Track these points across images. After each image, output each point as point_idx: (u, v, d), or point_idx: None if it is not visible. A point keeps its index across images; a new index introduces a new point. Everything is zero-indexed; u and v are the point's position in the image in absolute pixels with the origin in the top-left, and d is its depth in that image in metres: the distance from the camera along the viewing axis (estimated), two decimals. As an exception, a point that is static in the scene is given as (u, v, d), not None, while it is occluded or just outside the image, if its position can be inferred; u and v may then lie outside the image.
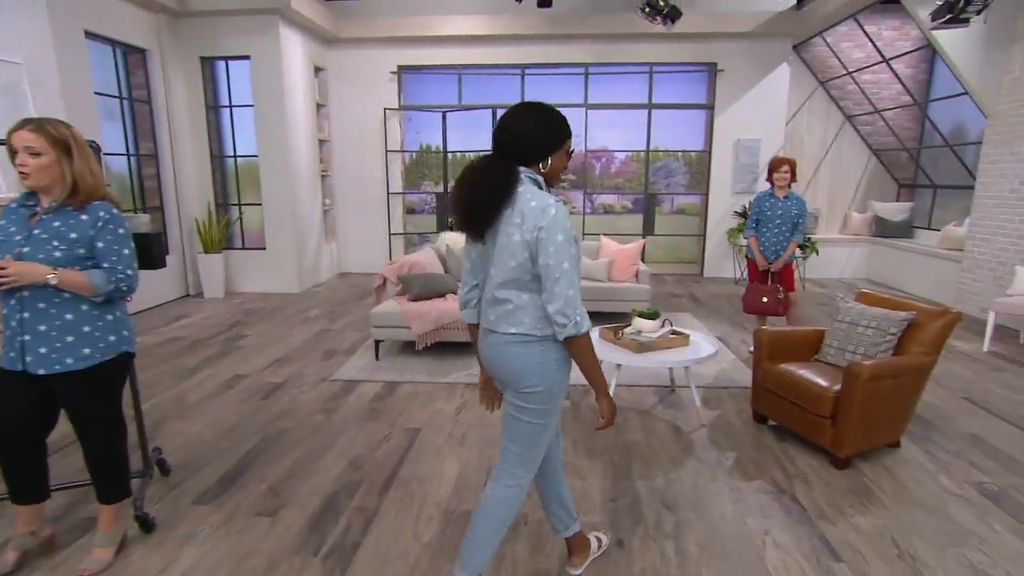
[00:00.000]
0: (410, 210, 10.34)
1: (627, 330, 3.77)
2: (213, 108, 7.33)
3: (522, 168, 1.77)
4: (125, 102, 6.49)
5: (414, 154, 9.72)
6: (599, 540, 2.39)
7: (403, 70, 8.46)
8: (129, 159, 6.51)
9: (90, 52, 5.73)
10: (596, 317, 5.94)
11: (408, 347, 5.06)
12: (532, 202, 1.69)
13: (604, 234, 8.46)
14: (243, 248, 7.67)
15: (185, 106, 7.15)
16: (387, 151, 8.53)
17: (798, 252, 5.19)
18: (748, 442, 3.35)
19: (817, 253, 7.62)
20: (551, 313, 1.70)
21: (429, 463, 3.13)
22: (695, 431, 3.51)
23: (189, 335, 5.58)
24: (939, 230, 7.61)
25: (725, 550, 2.40)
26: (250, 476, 3.00)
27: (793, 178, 4.74)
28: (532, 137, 1.76)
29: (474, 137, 8.85)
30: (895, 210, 8.50)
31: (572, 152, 1.86)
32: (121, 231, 2.11)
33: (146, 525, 2.48)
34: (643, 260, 8.98)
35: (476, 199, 1.74)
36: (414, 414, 3.77)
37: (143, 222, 2.60)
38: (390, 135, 8.57)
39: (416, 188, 10.44)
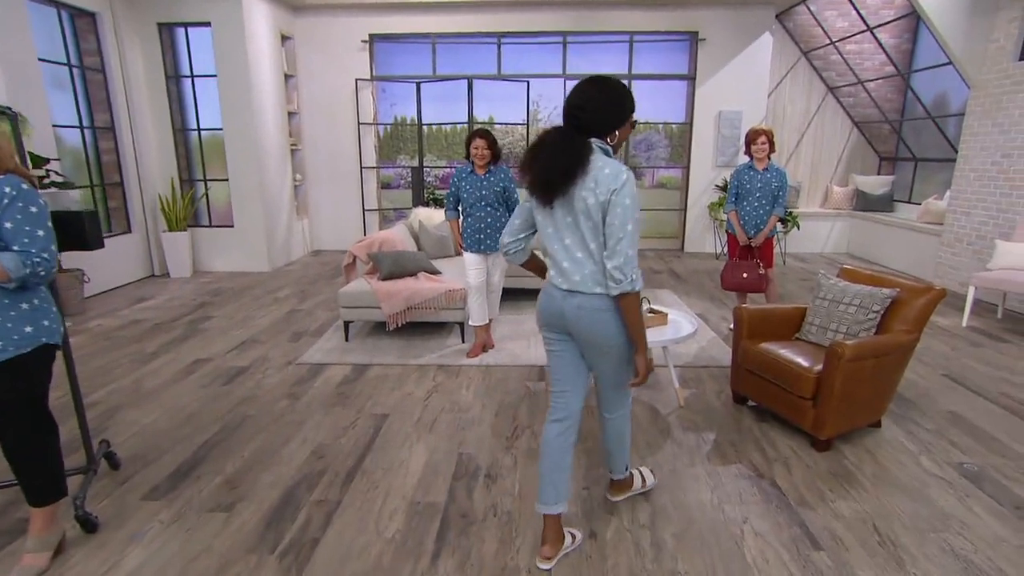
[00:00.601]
0: (385, 185, 10.08)
1: (604, 309, 3.63)
2: (174, 78, 6.96)
3: (593, 139, 1.91)
4: (76, 70, 6.12)
5: (388, 127, 9.43)
6: (643, 478, 2.62)
7: (375, 39, 8.12)
8: (83, 131, 6.17)
9: (32, 15, 5.35)
10: (574, 294, 5.81)
11: (379, 328, 4.89)
12: (605, 169, 1.86)
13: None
14: (210, 225, 7.39)
15: (143, 75, 6.78)
16: (359, 124, 8.23)
17: (779, 226, 5.07)
18: (727, 424, 3.26)
19: (798, 227, 7.54)
20: (610, 268, 1.88)
21: (396, 451, 2.99)
22: (673, 412, 3.41)
23: (151, 317, 5.34)
24: (920, 204, 7.56)
25: (703, 540, 2.30)
26: (206, 468, 2.84)
27: (772, 149, 4.59)
28: (604, 111, 1.91)
29: (450, 108, 8.57)
30: (876, 183, 8.43)
31: (635, 123, 2.02)
32: (33, 209, 1.89)
33: (88, 525, 2.32)
34: (623, 235, 8.88)
35: (556, 168, 1.87)
36: (382, 398, 3.62)
37: (73, 199, 2.38)
38: (362, 107, 8.25)
39: (391, 162, 10.16)
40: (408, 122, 8.95)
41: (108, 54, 6.33)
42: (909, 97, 8.05)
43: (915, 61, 7.86)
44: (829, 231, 8.52)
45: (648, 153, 9.56)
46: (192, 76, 6.96)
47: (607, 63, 8.22)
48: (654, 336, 3.40)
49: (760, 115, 8.07)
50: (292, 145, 8.02)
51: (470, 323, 4.31)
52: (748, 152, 4.64)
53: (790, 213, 7.50)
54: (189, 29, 6.81)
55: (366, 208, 8.51)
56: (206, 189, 7.32)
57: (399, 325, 4.48)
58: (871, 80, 8.11)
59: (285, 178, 7.75)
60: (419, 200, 8.16)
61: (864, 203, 8.36)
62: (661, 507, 2.51)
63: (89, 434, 2.58)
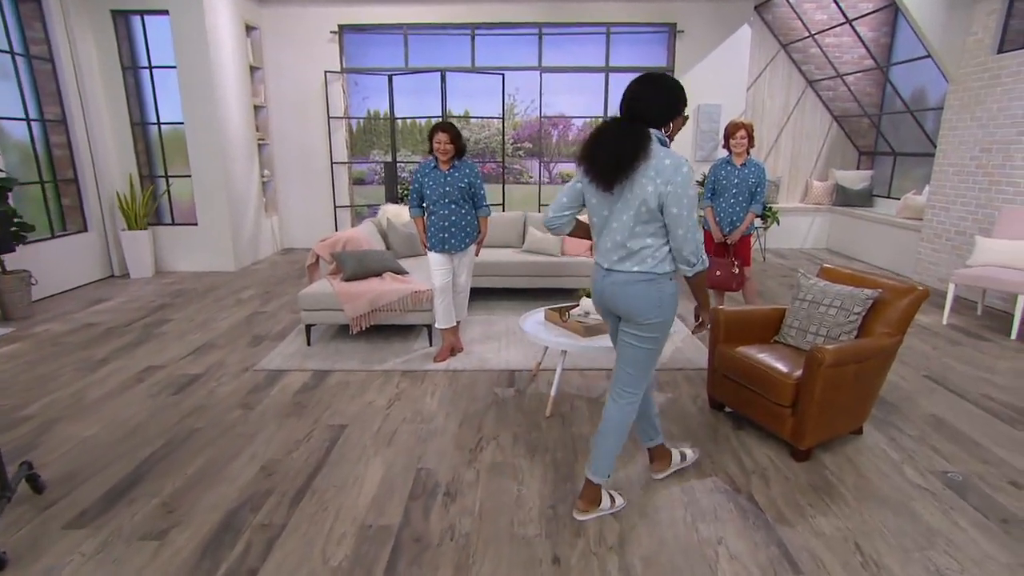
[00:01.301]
0: (359, 180, 9.83)
1: (574, 311, 3.46)
2: (131, 69, 6.65)
3: (652, 130, 2.07)
4: (21, 59, 5.79)
5: (361, 121, 9.18)
6: (683, 455, 2.71)
7: (344, 29, 7.86)
8: (29, 124, 5.84)
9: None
10: (549, 294, 5.65)
11: (343, 331, 4.68)
12: (666, 160, 2.02)
13: (544, 205, 8.12)
14: (173, 224, 7.10)
15: (97, 66, 6.47)
16: (329, 117, 7.96)
17: (757, 222, 4.94)
18: (703, 432, 3.10)
19: (778, 223, 7.44)
20: (686, 255, 2.09)
21: (350, 467, 2.79)
22: (647, 420, 3.24)
23: (104, 321, 5.07)
24: (899, 199, 7.49)
25: (673, 565, 2.13)
26: (143, 489, 2.62)
27: (751, 143, 4.45)
28: (660, 104, 2.07)
29: (424, 102, 8.33)
30: (856, 178, 8.37)
31: (687, 117, 2.15)
32: None
33: (-3, 560, 2.09)
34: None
35: (621, 153, 2.02)
36: (341, 408, 3.41)
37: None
38: (332, 100, 7.99)
39: (364, 157, 9.90)
40: (381, 116, 8.70)
41: (57, 43, 6.01)
42: (888, 91, 7.98)
43: (894, 54, 7.79)
44: (809, 226, 8.44)
45: (627, 148, 9.39)
46: (150, 67, 6.66)
47: (584, 55, 8.04)
48: (627, 340, 3.23)
49: (739, 109, 7.95)
50: (259, 140, 7.74)
51: (436, 326, 4.11)
52: (727, 146, 4.49)
53: (770, 208, 7.39)
54: (146, 17, 6.49)
55: (337, 205, 8.26)
56: (167, 186, 7.02)
57: (363, 328, 4.27)
58: (850, 74, 8.03)
59: (252, 174, 7.47)
60: (392, 196, 7.93)
61: (844, 198, 8.29)
62: (631, 527, 2.34)
63: (1, 456, 2.35)
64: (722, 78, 7.85)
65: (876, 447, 2.95)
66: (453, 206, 3.88)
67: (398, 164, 9.07)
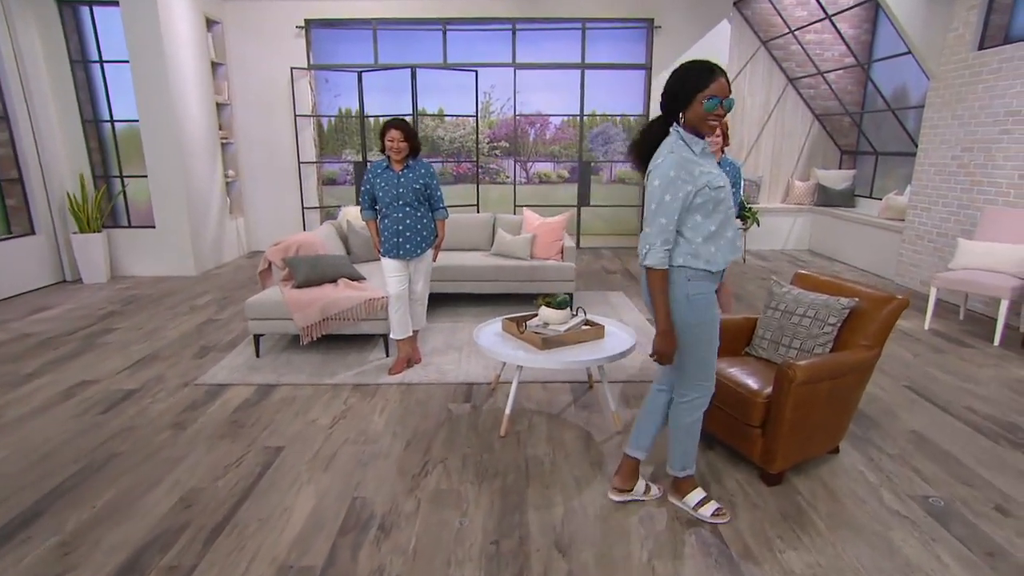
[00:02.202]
0: (331, 181, 9.52)
1: (532, 322, 3.22)
2: (80, 63, 6.33)
3: (674, 125, 2.07)
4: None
5: (332, 119, 8.88)
6: (648, 488, 2.52)
7: (311, 24, 7.57)
8: (-31, 123, 5.52)
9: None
10: (520, 300, 5.41)
11: (296, 341, 4.41)
12: (659, 158, 2.05)
13: (528, 206, 7.89)
14: (129, 226, 6.78)
15: (43, 60, 6.14)
16: (296, 116, 7.67)
17: (736, 223, 4.70)
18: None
19: (758, 224, 7.25)
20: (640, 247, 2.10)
21: (279, 497, 2.53)
22: (609, 440, 3.01)
23: (44, 331, 4.77)
24: (881, 199, 7.33)
25: (623, 613, 1.90)
26: (42, 525, 2.35)
27: (725, 142, 4.22)
28: (667, 96, 2.06)
29: (397, 100, 8.05)
30: (838, 178, 8.21)
31: (708, 104, 1.96)
32: None
33: None
34: (578, 233, 8.50)
35: (633, 151, 2.19)
36: (281, 427, 3.15)
37: None
38: (300, 98, 7.70)
39: (336, 157, 9.60)
40: (353, 114, 8.42)
41: (-1, 36, 5.68)
42: (870, 89, 7.82)
43: (875, 51, 7.64)
44: (791, 227, 8.27)
45: (606, 147, 9.18)
46: (101, 61, 6.34)
47: (559, 51, 7.82)
48: (588, 353, 3.00)
49: (719, 107, 7.74)
50: (223, 139, 7.43)
51: (391, 336, 3.85)
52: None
53: (750, 209, 7.19)
54: (95, 9, 6.18)
55: (305, 206, 7.97)
56: (123, 186, 6.70)
57: (315, 338, 4.00)
58: (831, 71, 7.87)
59: (214, 174, 7.17)
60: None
61: (825, 198, 8.13)
62: (581, 566, 2.11)
63: None
64: (701, 75, 7.63)
65: (853, 468, 2.74)
66: (408, 209, 3.64)
67: (369, 163, 8.81)
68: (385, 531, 2.30)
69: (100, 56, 6.33)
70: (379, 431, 3.11)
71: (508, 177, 8.85)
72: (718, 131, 4.16)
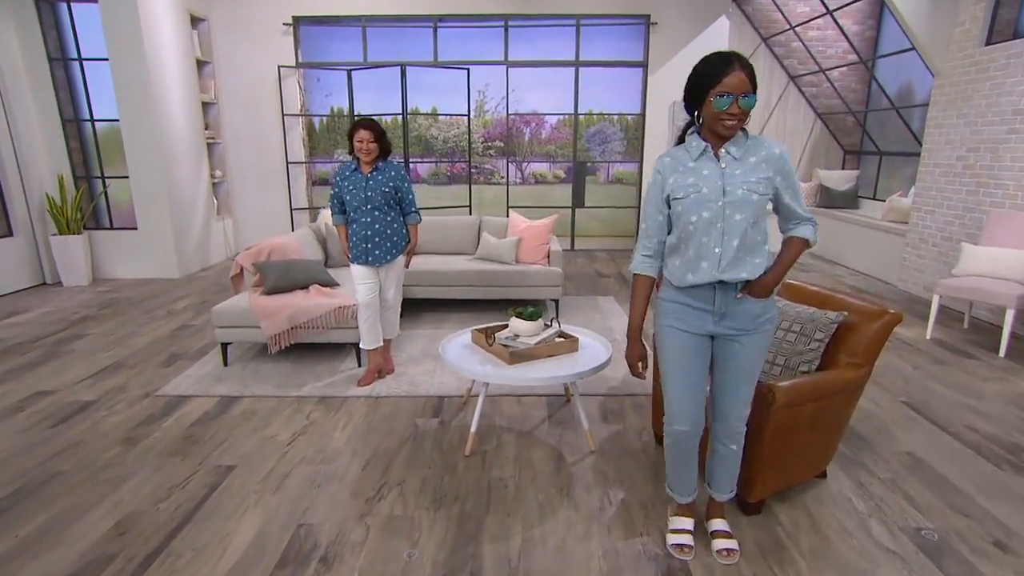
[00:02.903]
0: (323, 181, 9.38)
1: (501, 334, 3.04)
2: (60, 61, 6.20)
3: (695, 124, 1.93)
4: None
5: (324, 119, 8.73)
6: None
7: (299, 21, 7.41)
8: (-57, 122, 5.40)
9: None
10: (504, 306, 5.23)
11: (267, 349, 4.24)
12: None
13: (520, 207, 7.72)
14: (111, 228, 6.65)
15: (20, 57, 6.01)
16: (284, 115, 7.52)
17: None
18: (643, 476, 2.69)
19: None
20: None
21: (221, 522, 2.36)
22: (581, 460, 2.83)
23: (12, 336, 4.63)
24: (885, 200, 7.09)
25: (573, 667, 1.72)
26: (-38, 555, 2.19)
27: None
28: (685, 94, 1.88)
29: (390, 98, 7.88)
30: (841, 178, 7.97)
31: (718, 102, 1.76)
32: None
33: None
34: (573, 235, 8.31)
35: None
36: (237, 444, 2.99)
37: None
38: (288, 97, 7.54)
39: (328, 157, 9.46)
40: (345, 114, 8.25)
41: (-25, 33, 5.56)
42: (874, 87, 7.58)
43: (880, 48, 7.39)
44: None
45: (603, 147, 8.98)
46: (80, 59, 6.21)
47: (553, 49, 7.63)
48: (559, 368, 2.82)
49: (717, 106, 7.54)
50: (209, 138, 7.29)
51: (361, 346, 3.68)
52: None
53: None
54: (73, 5, 6.04)
55: (294, 207, 7.82)
56: (104, 187, 6.57)
57: (283, 347, 3.84)
58: (834, 68, 7.63)
59: (200, 175, 7.02)
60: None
61: (828, 199, 7.89)
62: (534, 608, 1.93)
63: None
64: (699, 73, 7.42)
65: (841, 495, 2.54)
66: (376, 213, 3.46)
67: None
68: (327, 564, 2.12)
69: (79, 54, 6.19)
70: (338, 449, 2.94)
71: (503, 177, 8.67)
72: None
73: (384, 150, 3.48)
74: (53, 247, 6.13)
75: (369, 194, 3.43)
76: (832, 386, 2.34)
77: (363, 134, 3.38)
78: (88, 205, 6.47)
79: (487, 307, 5.23)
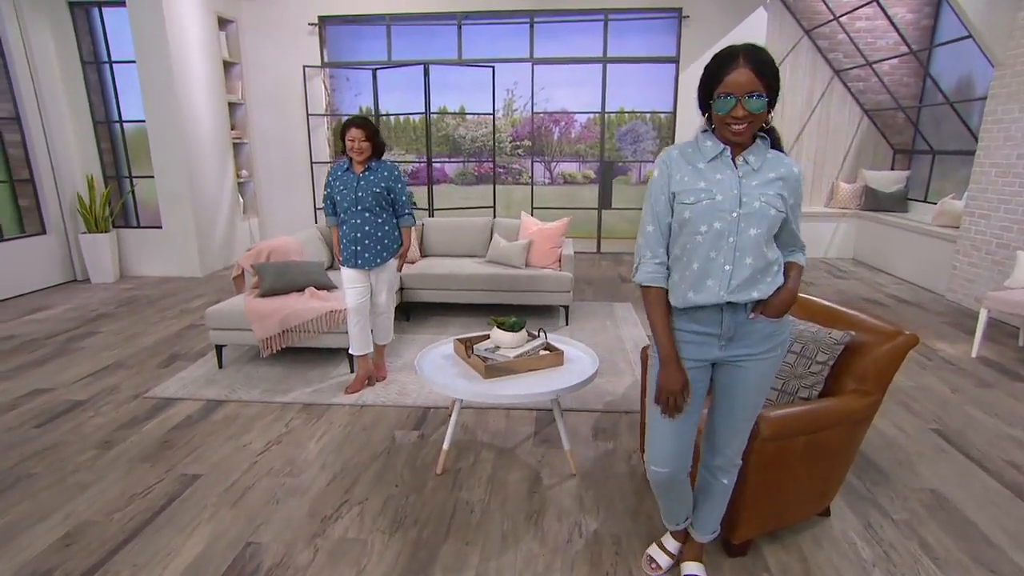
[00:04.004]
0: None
1: (480, 345, 2.86)
2: (92, 64, 6.36)
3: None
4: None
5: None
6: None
7: (325, 21, 7.41)
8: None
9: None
10: (513, 311, 5.04)
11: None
12: None
13: (544, 208, 7.51)
14: (138, 227, 6.79)
15: (56, 61, 6.19)
16: (308, 115, 7.53)
17: None
18: (623, 505, 2.46)
19: (791, 230, 6.61)
20: None
21: (170, 537, 2.27)
22: (559, 484, 2.61)
23: (28, 332, 4.74)
24: (936, 203, 6.55)
25: None
26: (-88, 560, 2.16)
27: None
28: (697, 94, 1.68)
29: (418, 97, 7.79)
30: (889, 180, 7.43)
31: (719, 104, 1.55)
32: None
33: None
34: (599, 236, 8.03)
35: None
36: (209, 451, 2.91)
37: None
38: (314, 97, 7.55)
39: (357, 157, 9.46)
40: (373, 114, 8.22)
41: (8, 36, 5.74)
42: (929, 81, 7.02)
43: (937, 38, 6.84)
44: (833, 233, 7.54)
45: (635, 146, 8.67)
46: (110, 62, 6.35)
47: (581, 45, 7.38)
48: (539, 384, 2.62)
49: (753, 102, 7.14)
50: (236, 139, 7.37)
51: (350, 352, 3.56)
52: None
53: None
54: (104, 9, 6.18)
55: (317, 207, 7.83)
56: (131, 187, 6.72)
57: (274, 351, 3.76)
58: (883, 60, 7.10)
59: (225, 175, 7.10)
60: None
61: (874, 202, 7.37)
62: (470, 656, 1.74)
63: None
64: (734, 68, 7.04)
65: (844, 538, 2.24)
66: (367, 214, 3.34)
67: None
68: (262, 591, 1.99)
69: (108, 56, 6.34)
70: (309, 461, 2.81)
71: (531, 177, 8.47)
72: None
73: (377, 149, 3.36)
74: (82, 245, 6.29)
75: (359, 195, 3.31)
76: (831, 417, 2.06)
77: (354, 133, 3.26)
78: (116, 204, 6.62)
79: (496, 312, 5.05)
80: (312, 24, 7.32)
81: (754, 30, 6.95)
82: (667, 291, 1.72)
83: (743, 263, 1.62)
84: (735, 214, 1.59)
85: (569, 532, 2.28)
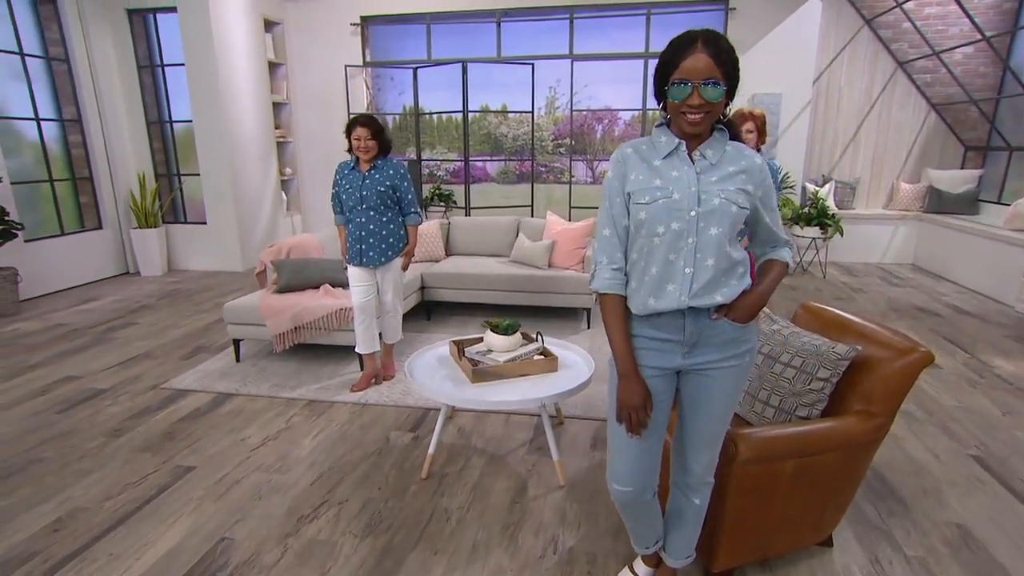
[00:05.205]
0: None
1: (474, 348, 2.78)
2: (147, 67, 6.67)
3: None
4: (37, 61, 5.91)
5: (397, 117, 8.83)
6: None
7: (367, 21, 7.51)
8: (39, 124, 5.94)
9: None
10: (535, 312, 4.95)
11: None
12: None
13: (582, 208, 7.35)
14: (185, 222, 7.09)
15: (115, 65, 6.53)
16: (349, 114, 7.64)
17: (809, 231, 3.97)
18: (606, 522, 2.32)
19: (841, 233, 6.19)
20: None
21: (151, 528, 2.30)
22: (544, 495, 2.50)
23: (75, 322, 5.00)
24: (1010, 205, 5.99)
25: None
26: (-82, 535, 2.28)
27: (761, 139, 3.52)
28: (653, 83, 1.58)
29: (456, 96, 7.79)
30: (957, 180, 6.86)
31: (674, 91, 1.43)
32: None
33: None
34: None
35: None
36: (209, 444, 2.96)
37: None
38: (356, 96, 7.67)
39: (400, 155, 9.57)
40: (424, 111, 8.29)
41: (72, 43, 6.10)
42: (1008, 71, 6.43)
43: (1022, 22, 6.25)
44: (891, 237, 7.03)
45: (680, 144, 8.35)
46: (162, 65, 6.64)
47: (622, 41, 7.18)
48: (530, 390, 2.52)
49: (805, 97, 6.75)
50: (280, 138, 7.58)
51: (356, 350, 3.56)
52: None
53: (832, 216, 6.18)
54: (158, 15, 6.47)
55: (358, 205, 7.94)
56: (179, 184, 7.02)
57: (287, 347, 3.81)
58: (955, 48, 6.55)
59: (268, 173, 7.31)
60: (417, 197, 7.49)
61: (939, 203, 6.82)
62: (412, 674, 1.66)
63: None
64: (784, 61, 6.68)
65: (844, 572, 2.03)
66: (371, 213, 3.33)
67: (430, 162, 8.66)
68: (223, 589, 1.99)
69: (161, 60, 6.63)
70: (300, 458, 2.82)
71: (575, 176, 8.34)
72: (751, 126, 3.50)
73: (383, 147, 3.34)
74: (133, 239, 6.62)
75: (364, 193, 3.30)
76: (825, 440, 1.86)
77: (360, 131, 3.25)
78: (165, 200, 6.93)
79: (518, 313, 4.96)
80: (354, 24, 7.43)
81: (806, 22, 6.57)
82: (626, 298, 1.59)
83: (704, 265, 1.48)
84: (693, 213, 1.46)
85: (544, 547, 2.17)
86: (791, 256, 1.65)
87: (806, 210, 6.38)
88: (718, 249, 1.47)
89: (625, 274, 1.59)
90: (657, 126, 1.56)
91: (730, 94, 1.44)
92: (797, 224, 6.38)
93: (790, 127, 6.87)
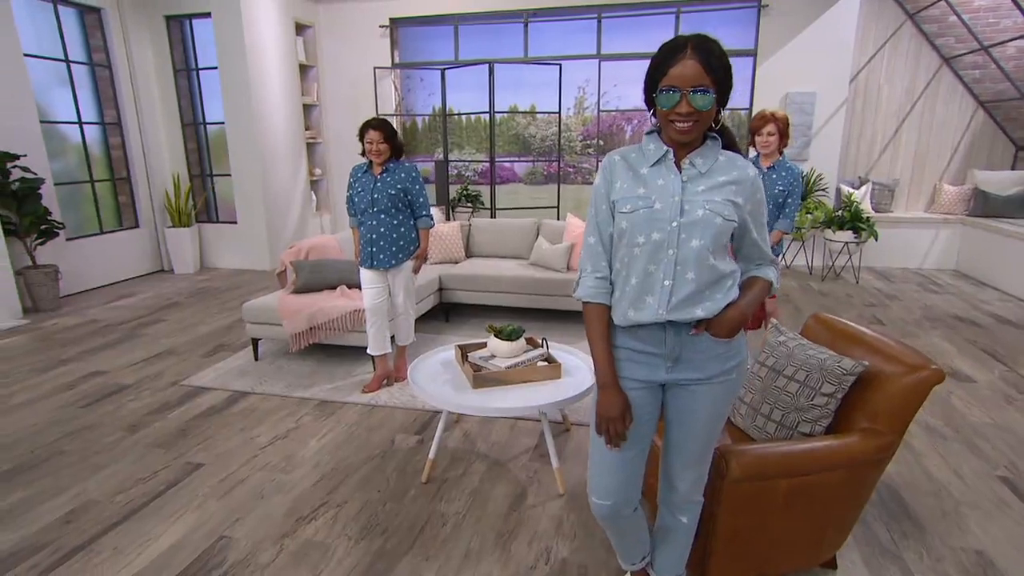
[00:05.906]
0: (427, 179, 9.58)
1: (477, 353, 2.76)
2: (183, 72, 6.88)
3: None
4: (82, 68, 6.16)
5: (426, 118, 8.90)
6: None
7: (396, 23, 7.58)
8: (82, 127, 6.19)
9: (35, 13, 5.40)
10: (555, 316, 4.91)
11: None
12: None
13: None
14: (218, 221, 7.28)
15: (153, 70, 6.75)
16: (377, 115, 7.72)
17: (785, 241, 3.85)
18: (601, 535, 2.27)
19: (876, 238, 5.96)
20: None
21: (155, 523, 2.36)
22: (543, 504, 2.47)
23: (109, 318, 5.19)
24: (1060, 209, 5.68)
25: None
26: (-59, 523, 2.39)
27: (783, 141, 3.41)
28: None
29: (485, 97, 7.81)
30: (1007, 181, 6.53)
31: (661, 98, 1.39)
32: None
33: None
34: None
35: None
36: (219, 442, 3.02)
37: None
38: (385, 97, 7.75)
39: (429, 156, 9.64)
40: (452, 112, 8.34)
41: (114, 49, 6.33)
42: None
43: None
44: (932, 241, 6.73)
45: (711, 144, 8.17)
46: (197, 69, 6.83)
47: (651, 40, 7.05)
48: (531, 397, 2.49)
49: (841, 95, 6.52)
50: (311, 139, 7.71)
51: (368, 351, 3.59)
52: (753, 144, 3.49)
53: (866, 220, 5.95)
54: (194, 21, 6.66)
55: (385, 205, 8.03)
56: (212, 184, 7.21)
57: (303, 347, 3.86)
58: (1007, 41, 6.22)
59: (298, 173, 7.45)
60: (443, 198, 7.55)
61: (985, 206, 6.50)
62: None
63: None
64: (819, 59, 6.46)
65: (848, 598, 1.95)
66: (383, 215, 3.35)
67: (459, 163, 8.70)
68: (216, 588, 2.02)
69: (196, 64, 6.82)
70: (306, 458, 2.85)
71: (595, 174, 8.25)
72: (772, 128, 3.40)
73: (395, 151, 3.36)
74: (168, 238, 6.83)
75: (376, 196, 3.32)
76: (823, 459, 1.78)
77: (372, 134, 3.27)
78: (199, 200, 7.13)
79: (536, 316, 4.93)
80: (383, 26, 7.51)
81: (843, 18, 6.34)
82: (608, 309, 1.55)
83: (684, 278, 1.43)
84: (675, 223, 1.41)
85: (536, 558, 2.14)
86: (777, 276, 1.59)
87: (839, 213, 6.17)
88: (699, 262, 1.42)
89: (611, 283, 1.55)
90: (647, 133, 1.51)
91: (722, 102, 1.39)
92: (829, 228, 6.17)
93: (824, 127, 6.64)
